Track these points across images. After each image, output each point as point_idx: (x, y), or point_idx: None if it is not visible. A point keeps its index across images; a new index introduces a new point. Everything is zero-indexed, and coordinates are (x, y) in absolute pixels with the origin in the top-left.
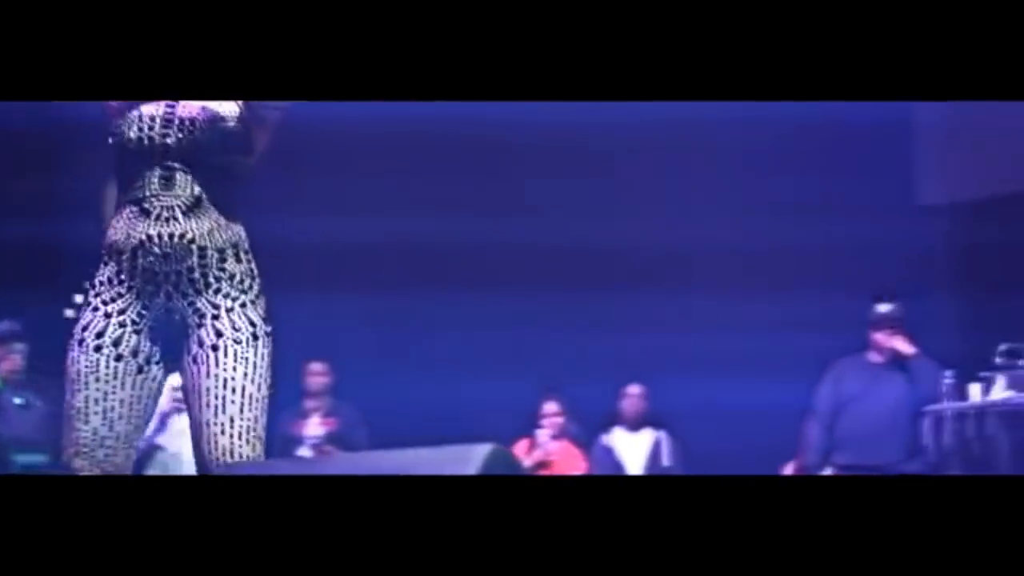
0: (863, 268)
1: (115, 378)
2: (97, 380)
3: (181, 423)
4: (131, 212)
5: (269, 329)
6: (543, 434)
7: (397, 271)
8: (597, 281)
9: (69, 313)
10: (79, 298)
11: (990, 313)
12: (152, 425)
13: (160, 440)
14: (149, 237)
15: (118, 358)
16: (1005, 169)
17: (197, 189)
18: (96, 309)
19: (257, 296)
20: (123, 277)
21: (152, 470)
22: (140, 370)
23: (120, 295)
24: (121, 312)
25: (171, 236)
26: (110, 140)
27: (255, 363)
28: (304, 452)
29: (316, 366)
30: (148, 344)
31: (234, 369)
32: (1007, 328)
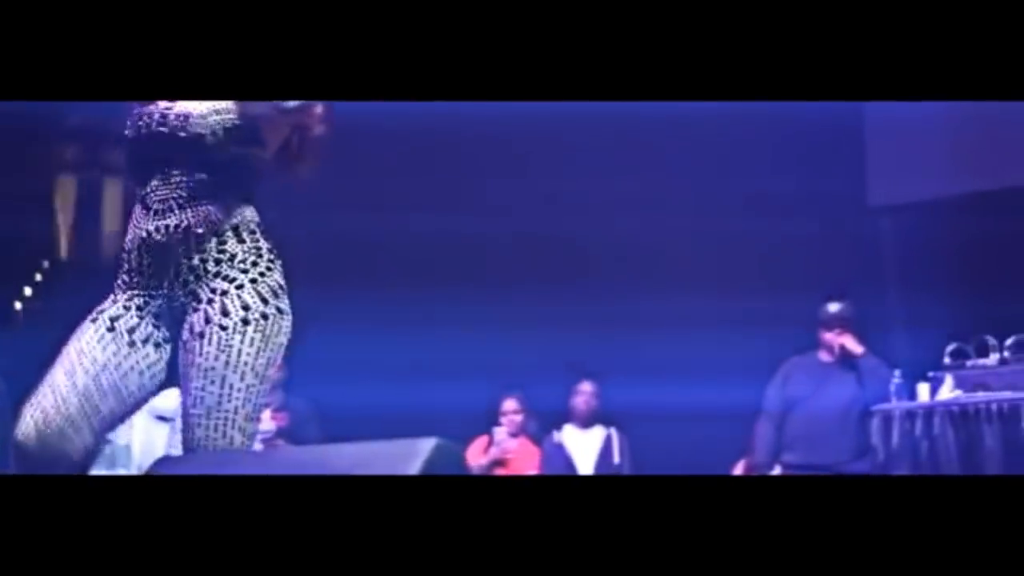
0: (813, 268)
1: (98, 341)
2: (78, 342)
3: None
4: (137, 211)
5: (271, 309)
6: (501, 431)
7: (353, 268)
8: (551, 279)
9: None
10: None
11: (938, 313)
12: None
13: (111, 433)
14: (149, 233)
15: (110, 328)
16: (954, 170)
17: (196, 181)
18: (113, 301)
19: (263, 274)
20: (132, 275)
21: (100, 463)
22: (132, 345)
23: (130, 290)
24: (128, 300)
25: (167, 228)
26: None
27: (239, 350)
28: (255, 446)
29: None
30: (147, 327)
31: (215, 358)
32: (955, 328)
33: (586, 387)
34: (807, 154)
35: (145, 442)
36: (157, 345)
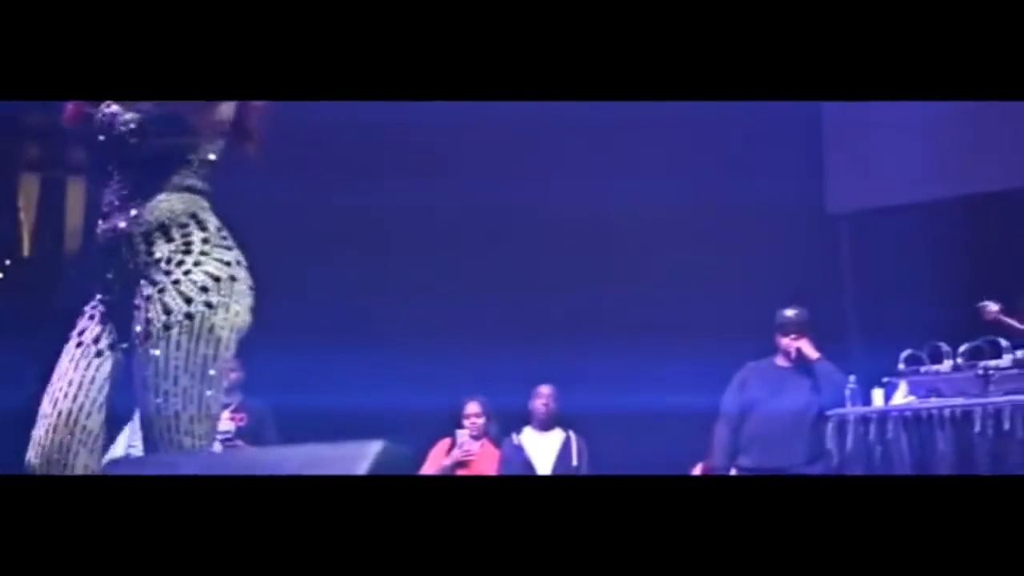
0: (770, 273)
1: (70, 362)
2: (59, 366)
3: None
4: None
5: (197, 307)
6: (463, 434)
7: (317, 271)
8: (512, 285)
9: None
10: None
11: (893, 320)
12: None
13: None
14: (96, 238)
15: (79, 344)
16: (911, 177)
17: (128, 182)
18: (81, 313)
19: (188, 272)
20: (92, 283)
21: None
22: (99, 354)
23: (92, 299)
24: (92, 309)
25: (106, 232)
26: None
27: (166, 356)
28: (215, 447)
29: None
30: (109, 334)
31: (145, 367)
32: (910, 334)
33: (545, 390)
34: (766, 162)
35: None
36: (124, 351)
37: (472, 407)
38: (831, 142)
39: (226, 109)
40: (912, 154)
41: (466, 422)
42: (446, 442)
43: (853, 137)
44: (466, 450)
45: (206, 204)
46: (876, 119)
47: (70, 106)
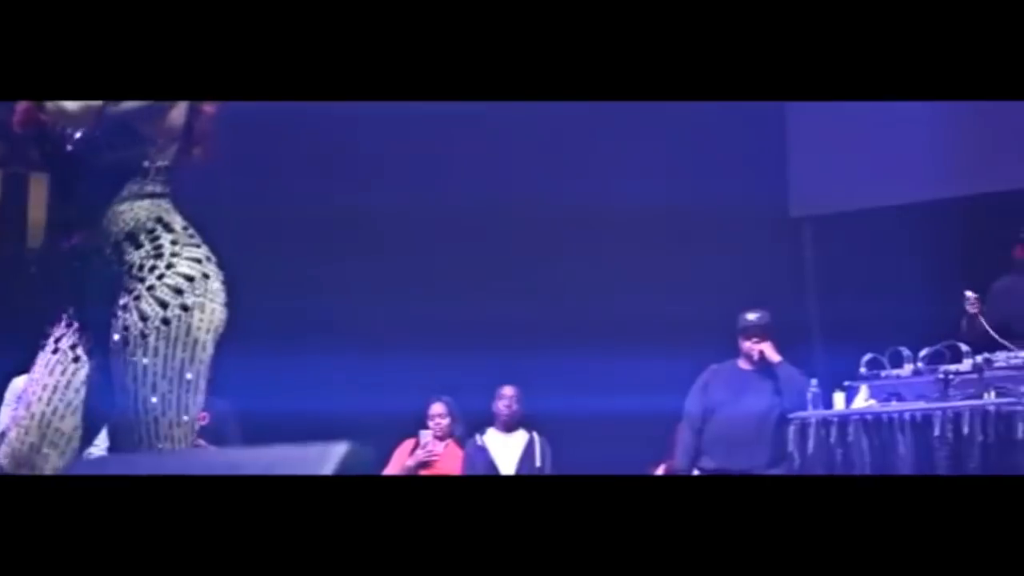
0: (733, 275)
1: (46, 367)
2: (32, 372)
3: None
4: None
5: (173, 312)
6: (427, 435)
7: (284, 271)
8: (476, 286)
9: None
10: None
11: (856, 324)
12: None
13: (89, 447)
14: (63, 251)
15: (55, 351)
16: (874, 182)
17: (88, 193)
18: (57, 321)
19: (161, 276)
20: (64, 293)
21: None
22: (76, 360)
23: (67, 308)
24: (69, 317)
25: (73, 247)
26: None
27: (144, 363)
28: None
29: None
30: (87, 340)
31: (124, 374)
32: (871, 339)
33: (508, 391)
34: (730, 165)
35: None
36: (101, 357)
37: (437, 408)
38: (795, 145)
39: (177, 115)
40: (876, 157)
41: (430, 423)
42: (410, 443)
43: (817, 140)
44: (429, 451)
45: (168, 205)
46: (840, 122)
47: (20, 108)
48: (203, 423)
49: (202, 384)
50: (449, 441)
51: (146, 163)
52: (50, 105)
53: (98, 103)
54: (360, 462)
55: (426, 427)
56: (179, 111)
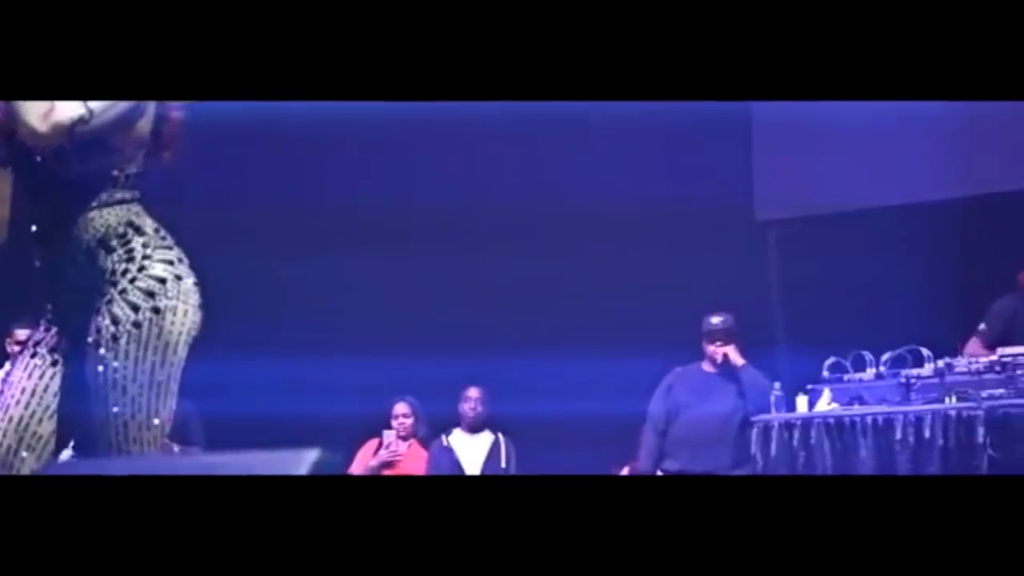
0: (698, 279)
1: (24, 370)
2: (10, 375)
3: None
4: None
5: (144, 315)
6: (390, 435)
7: (248, 274)
8: (442, 289)
9: None
10: None
11: (819, 327)
12: None
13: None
14: (36, 259)
15: (34, 355)
16: (839, 186)
17: (60, 205)
18: (36, 325)
19: (134, 279)
20: (43, 299)
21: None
22: (54, 364)
23: (46, 314)
24: (48, 322)
25: (46, 254)
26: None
27: (114, 366)
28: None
29: None
30: (65, 344)
31: (95, 378)
32: (834, 342)
33: (474, 393)
34: (695, 169)
35: None
36: (76, 361)
37: (400, 408)
38: (760, 149)
39: (144, 124)
40: (841, 162)
41: (394, 423)
42: (374, 443)
43: (782, 145)
44: (393, 451)
45: (139, 209)
46: (805, 127)
47: None
48: (167, 425)
49: (173, 387)
50: (412, 441)
51: (115, 172)
52: (22, 128)
53: (66, 122)
54: (329, 467)
55: (390, 427)
56: (147, 120)
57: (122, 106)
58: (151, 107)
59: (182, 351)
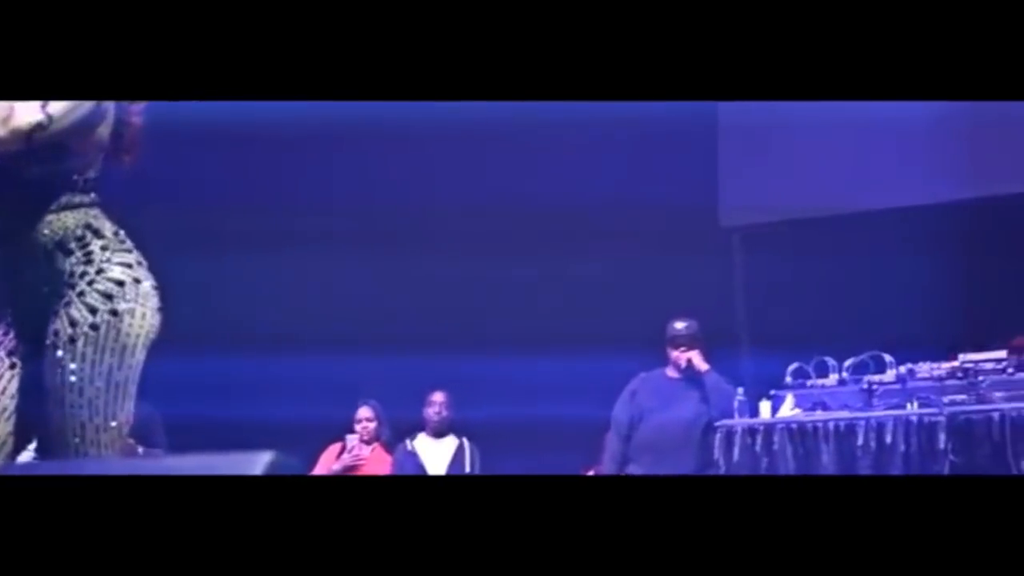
0: (663, 284)
1: None
2: None
3: None
4: None
5: (101, 317)
6: (353, 439)
7: (209, 272)
8: (405, 294)
9: None
10: None
11: (782, 333)
12: None
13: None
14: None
15: None
16: (803, 193)
17: (18, 208)
18: None
19: (92, 282)
20: (3, 300)
21: None
22: (12, 366)
23: (5, 315)
24: (7, 324)
25: (6, 255)
26: None
27: (72, 368)
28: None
29: None
30: (21, 346)
31: (52, 379)
32: (797, 348)
33: (438, 397)
34: (661, 174)
35: None
36: (35, 363)
37: (363, 412)
38: (726, 155)
39: (104, 129)
40: (806, 167)
41: (357, 427)
42: (337, 447)
43: (747, 151)
44: (356, 455)
45: (97, 212)
46: (770, 133)
47: None
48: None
49: (132, 390)
50: (376, 445)
51: (75, 176)
52: None
53: (24, 127)
54: (285, 470)
55: (353, 431)
56: (107, 125)
57: (81, 110)
58: (111, 111)
59: (140, 354)
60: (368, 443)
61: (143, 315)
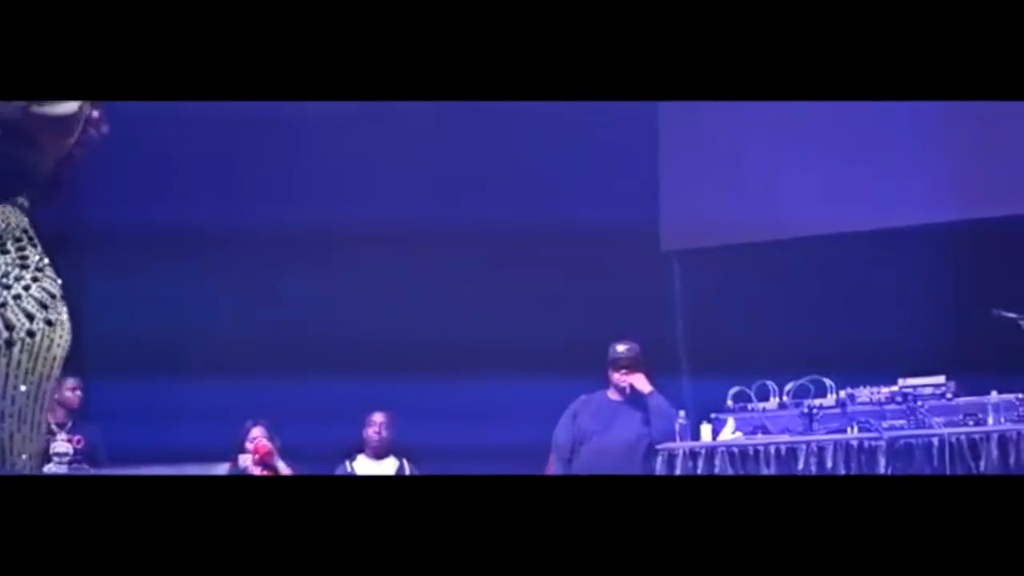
0: (604, 306)
1: None
2: None
3: None
4: None
5: (38, 324)
6: (245, 459)
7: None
8: (346, 306)
9: None
10: None
11: (723, 357)
12: None
13: None
14: None
15: None
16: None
17: None
18: None
19: (28, 287)
20: None
21: None
22: None
23: None
24: None
25: None
26: None
27: (6, 373)
28: (57, 469)
29: (70, 381)
30: None
31: None
32: (739, 372)
33: (378, 418)
34: (603, 198)
35: None
36: None
37: (257, 431)
38: (667, 179)
39: (75, 127)
40: (748, 193)
41: (249, 446)
42: (226, 467)
43: (688, 174)
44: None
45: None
46: (712, 154)
47: None
48: (79, 446)
49: (48, 403)
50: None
51: (34, 174)
52: None
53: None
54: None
55: (244, 451)
56: (77, 124)
57: (64, 108)
58: (83, 117)
59: (59, 369)
60: (263, 461)
61: (69, 329)
